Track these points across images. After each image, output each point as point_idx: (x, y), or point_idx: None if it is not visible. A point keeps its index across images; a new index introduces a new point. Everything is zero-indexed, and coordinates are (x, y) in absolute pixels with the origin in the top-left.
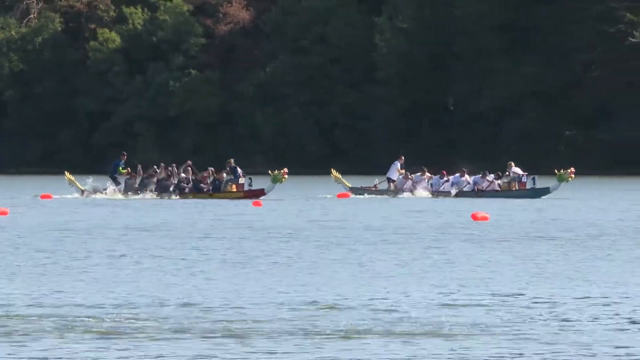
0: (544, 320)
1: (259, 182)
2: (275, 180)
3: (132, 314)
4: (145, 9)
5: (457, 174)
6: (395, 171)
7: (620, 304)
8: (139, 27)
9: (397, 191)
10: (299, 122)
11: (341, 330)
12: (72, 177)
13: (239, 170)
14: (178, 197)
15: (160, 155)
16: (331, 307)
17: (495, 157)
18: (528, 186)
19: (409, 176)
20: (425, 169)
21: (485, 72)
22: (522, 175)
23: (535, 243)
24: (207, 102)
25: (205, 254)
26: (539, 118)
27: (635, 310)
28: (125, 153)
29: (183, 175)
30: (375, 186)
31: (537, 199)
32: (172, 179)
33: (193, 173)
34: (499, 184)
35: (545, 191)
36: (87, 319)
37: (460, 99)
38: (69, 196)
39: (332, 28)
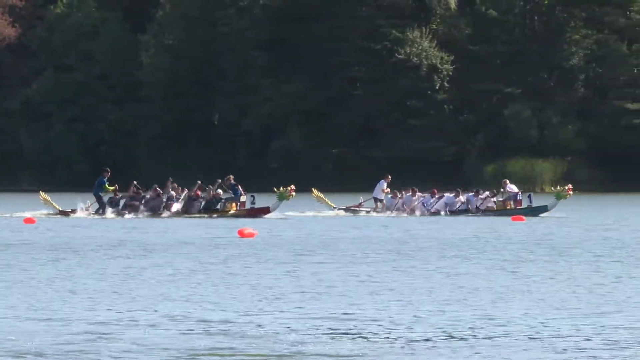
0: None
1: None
2: (282, 197)
3: None
4: None
5: (452, 194)
6: (381, 191)
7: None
8: None
9: (387, 210)
10: (65, 139)
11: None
12: (47, 197)
13: (240, 188)
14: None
15: None
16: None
17: (261, 175)
18: (524, 204)
19: (398, 195)
20: (417, 189)
21: (250, 89)
22: (518, 193)
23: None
24: None
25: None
26: (304, 136)
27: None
28: (108, 169)
29: (173, 193)
30: (360, 204)
31: (535, 217)
32: (161, 197)
33: (181, 191)
34: (494, 202)
35: (543, 209)
36: None
37: (226, 117)
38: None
39: (97, 45)
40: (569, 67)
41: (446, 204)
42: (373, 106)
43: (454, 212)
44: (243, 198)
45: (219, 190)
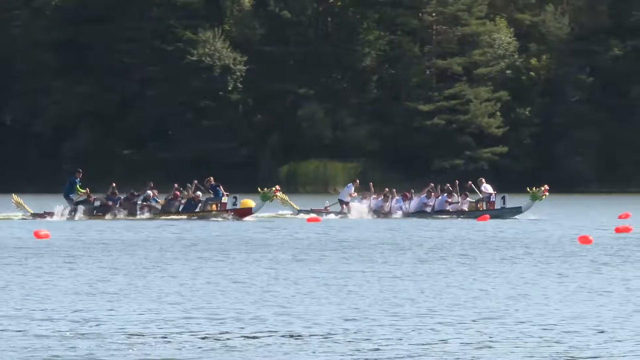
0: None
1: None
2: (266, 197)
3: None
4: None
5: (423, 195)
6: (348, 194)
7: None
8: None
9: (358, 214)
10: None
11: None
12: (19, 200)
13: (221, 189)
14: (147, 215)
15: None
16: None
17: (52, 176)
18: (497, 206)
19: (367, 196)
20: (388, 191)
21: (42, 91)
22: (492, 194)
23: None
24: None
25: None
26: (94, 137)
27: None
28: (80, 170)
29: (150, 193)
30: (326, 208)
31: (509, 219)
32: (137, 199)
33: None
34: (468, 202)
35: (517, 210)
36: None
37: (18, 118)
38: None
39: None
40: (362, 68)
41: (419, 205)
42: (165, 107)
43: (439, 212)
44: (225, 199)
45: (198, 192)
